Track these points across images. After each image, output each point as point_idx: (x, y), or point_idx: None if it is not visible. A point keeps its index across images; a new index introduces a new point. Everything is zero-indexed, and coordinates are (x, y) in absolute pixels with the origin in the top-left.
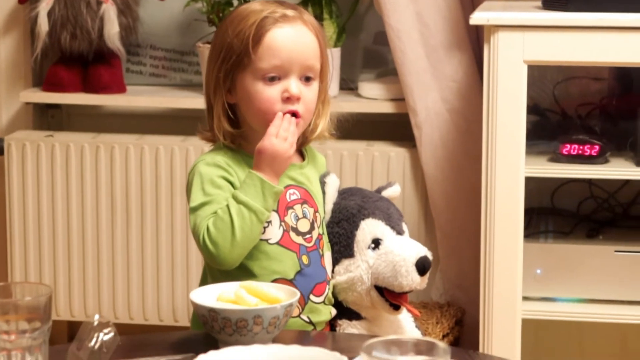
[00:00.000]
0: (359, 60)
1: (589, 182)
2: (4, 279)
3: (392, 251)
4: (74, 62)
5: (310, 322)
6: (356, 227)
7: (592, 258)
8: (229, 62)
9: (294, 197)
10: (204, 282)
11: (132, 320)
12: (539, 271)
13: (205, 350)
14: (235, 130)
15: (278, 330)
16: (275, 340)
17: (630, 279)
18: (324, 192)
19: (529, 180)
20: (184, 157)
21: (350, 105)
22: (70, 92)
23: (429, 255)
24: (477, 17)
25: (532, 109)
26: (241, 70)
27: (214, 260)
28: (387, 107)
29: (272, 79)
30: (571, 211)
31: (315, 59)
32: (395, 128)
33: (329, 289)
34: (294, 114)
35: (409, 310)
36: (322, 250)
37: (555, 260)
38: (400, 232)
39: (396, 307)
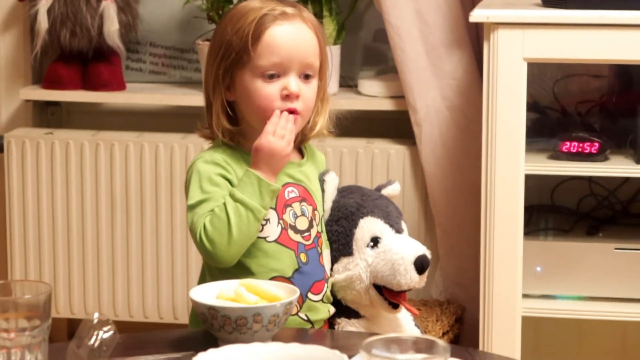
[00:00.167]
0: (358, 58)
1: (589, 179)
2: (3, 276)
3: (391, 249)
4: (73, 59)
5: (308, 320)
6: (355, 225)
7: (592, 255)
8: (228, 60)
9: (292, 195)
10: (202, 279)
11: (132, 317)
12: (538, 269)
13: (205, 348)
14: (234, 128)
15: (278, 328)
16: (274, 338)
17: (630, 277)
18: (323, 190)
19: (528, 178)
20: (183, 154)
21: (350, 102)
22: (69, 90)
23: (428, 253)
24: (477, 15)
25: (532, 106)
26: (240, 67)
27: (210, 258)
28: (386, 105)
29: (271, 77)
30: (571, 209)
31: (315, 56)
32: (395, 126)
33: (327, 287)
34: (292, 112)
35: (407, 309)
36: (321, 249)
37: (555, 258)
38: (399, 231)
39: (395, 306)
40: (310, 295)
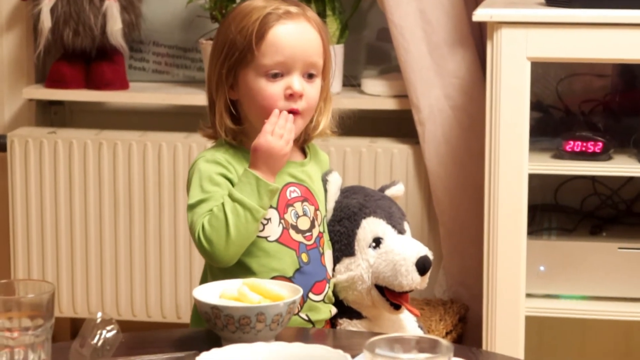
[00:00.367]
0: (362, 57)
1: (593, 179)
2: (6, 276)
3: (393, 250)
4: (76, 58)
5: (309, 321)
6: (357, 225)
7: (596, 255)
8: (232, 59)
9: (294, 195)
10: (204, 279)
11: (135, 317)
12: (542, 268)
13: (208, 348)
14: (237, 127)
15: (281, 328)
16: (277, 338)
17: (633, 276)
18: (326, 190)
19: (532, 177)
20: (186, 153)
21: (353, 102)
22: (73, 89)
23: (430, 254)
24: (480, 14)
25: (536, 105)
26: (244, 66)
27: (209, 257)
28: (390, 104)
29: (274, 76)
30: (574, 208)
31: (318, 55)
32: (398, 125)
33: (329, 287)
34: (295, 112)
35: (409, 310)
36: (323, 249)
37: (558, 257)
38: (401, 231)
39: (397, 307)
40: (311, 295)
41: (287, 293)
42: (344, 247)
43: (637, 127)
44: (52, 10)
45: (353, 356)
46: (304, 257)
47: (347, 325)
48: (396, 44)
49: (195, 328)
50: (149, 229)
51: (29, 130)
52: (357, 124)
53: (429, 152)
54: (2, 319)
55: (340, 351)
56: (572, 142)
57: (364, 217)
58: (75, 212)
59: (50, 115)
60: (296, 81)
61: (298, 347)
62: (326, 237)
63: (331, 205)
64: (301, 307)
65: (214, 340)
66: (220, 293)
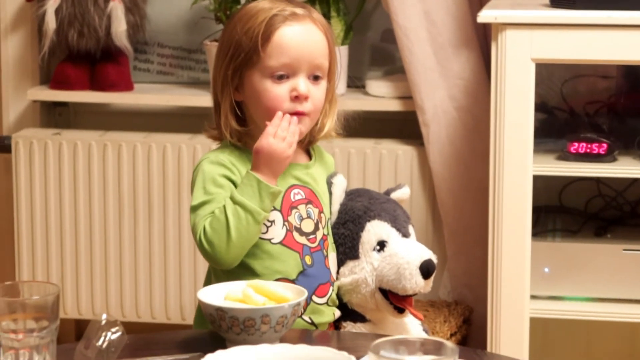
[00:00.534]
0: (366, 58)
1: (597, 180)
2: (11, 277)
3: (397, 254)
4: (81, 60)
5: (313, 323)
6: (362, 228)
7: (600, 256)
8: (238, 60)
9: (298, 197)
10: (208, 281)
11: (140, 318)
12: (546, 270)
13: (212, 350)
14: (242, 129)
15: (286, 330)
16: (281, 340)
17: (638, 278)
18: (330, 193)
19: (536, 179)
20: (191, 155)
21: (358, 103)
22: (77, 90)
23: (434, 258)
24: (485, 15)
25: (540, 107)
26: (249, 67)
27: (210, 260)
28: (394, 105)
29: (280, 77)
30: (579, 209)
31: (324, 57)
32: (402, 126)
33: (332, 290)
34: (300, 114)
35: (412, 314)
36: (327, 251)
37: (563, 259)
38: (406, 235)
39: (400, 310)
40: (314, 298)
41: (291, 295)
42: (348, 250)
43: None
44: (57, 11)
45: (357, 358)
46: (308, 259)
47: (351, 328)
48: (400, 45)
49: (200, 329)
50: (154, 230)
51: (33, 132)
52: (361, 126)
53: (433, 153)
54: (7, 321)
55: (345, 353)
56: (576, 144)
57: (369, 220)
58: (80, 214)
59: (55, 116)
60: (302, 83)
61: (303, 349)
62: (330, 239)
63: (336, 207)
64: (304, 310)
65: (219, 342)
66: (224, 295)
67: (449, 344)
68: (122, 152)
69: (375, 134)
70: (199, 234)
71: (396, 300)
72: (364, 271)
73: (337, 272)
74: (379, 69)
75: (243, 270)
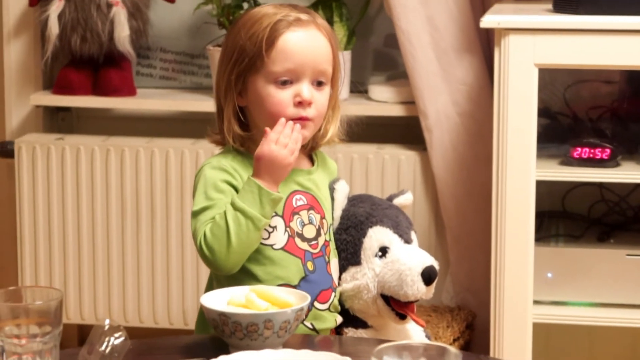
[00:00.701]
0: (369, 63)
1: (600, 185)
2: (14, 282)
3: (399, 260)
4: (84, 65)
5: (314, 329)
6: (364, 234)
7: (603, 262)
8: (241, 65)
9: (300, 203)
10: (209, 286)
11: (142, 323)
12: (549, 275)
13: (215, 355)
14: (245, 134)
15: (289, 335)
16: (284, 345)
17: None
18: (333, 199)
19: (539, 184)
20: (194, 160)
21: (361, 108)
22: (80, 95)
23: (436, 264)
24: (488, 21)
25: (543, 112)
26: (253, 73)
27: (210, 265)
28: (397, 110)
29: (284, 83)
30: (582, 215)
31: (328, 63)
32: (405, 131)
33: (334, 296)
34: (302, 119)
35: (414, 320)
36: (329, 257)
37: (566, 264)
38: (408, 241)
39: (402, 317)
40: (316, 304)
41: (294, 300)
42: (350, 255)
43: None
44: (60, 16)
45: None
46: (310, 265)
47: (353, 334)
48: (403, 50)
49: (203, 334)
50: (156, 235)
51: (36, 137)
52: (364, 131)
53: (436, 158)
54: (10, 326)
55: (348, 358)
56: (579, 149)
57: (371, 226)
58: (83, 219)
59: (58, 121)
60: (305, 89)
61: (306, 354)
62: (332, 245)
63: (338, 213)
64: (306, 316)
65: (222, 347)
66: (228, 300)
67: (452, 349)
68: (125, 157)
69: (378, 139)
70: (200, 239)
71: (398, 306)
72: (365, 277)
73: (339, 278)
74: (381, 74)
75: (245, 276)
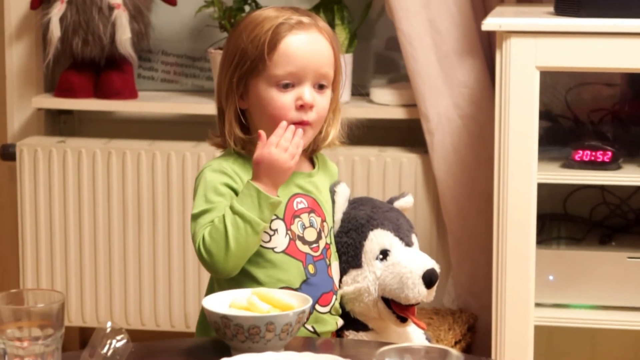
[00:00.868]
0: (370, 66)
1: (602, 188)
2: (15, 284)
3: (400, 263)
4: (85, 67)
5: (315, 332)
6: (364, 237)
7: (605, 264)
8: (243, 68)
9: (301, 206)
10: (210, 289)
11: (144, 326)
12: (551, 277)
13: (217, 357)
14: (246, 136)
15: (290, 337)
16: (286, 348)
17: None
18: (333, 201)
19: (541, 187)
20: (195, 162)
21: (362, 111)
22: (82, 98)
23: (437, 267)
24: (489, 23)
25: (544, 115)
26: (255, 76)
27: (209, 269)
28: (399, 113)
29: (285, 86)
30: (584, 217)
31: (330, 66)
32: (407, 134)
33: (335, 299)
34: (304, 123)
35: (415, 323)
36: (330, 260)
37: (567, 267)
38: (409, 244)
39: (403, 320)
40: (317, 307)
41: (296, 302)
42: (350, 258)
43: None
44: (62, 19)
45: None
46: (311, 268)
47: (353, 337)
48: (405, 53)
49: (205, 337)
50: (158, 238)
51: (38, 140)
52: (365, 134)
53: (437, 161)
54: (12, 329)
55: None
56: (581, 152)
57: (372, 229)
58: (84, 221)
59: (59, 124)
60: (307, 92)
61: (308, 356)
62: (333, 248)
63: (339, 216)
64: (307, 319)
65: (223, 350)
66: (229, 302)
67: (454, 352)
68: (127, 159)
69: (380, 142)
70: (198, 243)
71: (399, 309)
72: (366, 280)
73: (340, 281)
74: (383, 77)
75: (246, 279)
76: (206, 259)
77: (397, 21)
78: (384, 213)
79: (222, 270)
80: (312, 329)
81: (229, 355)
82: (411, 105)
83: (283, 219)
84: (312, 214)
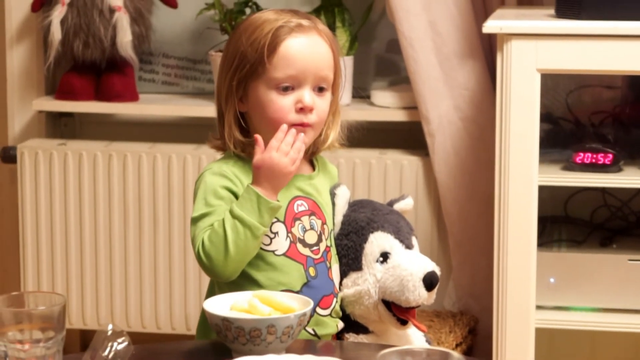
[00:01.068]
0: (371, 69)
1: (603, 190)
2: (16, 287)
3: (400, 265)
4: (86, 70)
5: (316, 335)
6: (365, 240)
7: (606, 267)
8: (243, 71)
9: (301, 209)
10: (211, 291)
11: (145, 328)
12: (552, 280)
13: None
14: (246, 139)
15: (291, 340)
16: (287, 350)
17: None
18: (334, 204)
19: (542, 189)
20: (196, 165)
21: (363, 113)
22: (82, 101)
23: (437, 270)
24: (490, 26)
25: (545, 117)
26: (255, 78)
27: (209, 272)
28: (399, 116)
29: (285, 89)
30: (584, 220)
31: (329, 69)
32: (408, 136)
33: (336, 301)
34: (304, 125)
35: (416, 326)
36: (330, 263)
37: (568, 269)
38: (409, 246)
39: (403, 322)
40: (318, 309)
41: (297, 305)
42: (351, 261)
43: None
44: (62, 22)
45: None
46: (312, 271)
47: (354, 339)
48: (406, 55)
49: (206, 340)
50: (159, 240)
51: (38, 142)
52: (366, 136)
53: (438, 163)
54: (14, 331)
55: None
56: (582, 154)
57: (372, 232)
58: (85, 224)
59: (60, 126)
60: (307, 95)
61: (309, 359)
62: (333, 251)
63: (339, 218)
64: (308, 322)
65: (224, 352)
66: (230, 305)
67: (456, 354)
68: (128, 162)
69: (381, 144)
70: (198, 247)
71: (399, 312)
72: (367, 283)
73: (340, 284)
74: (384, 80)
75: (247, 282)
76: (205, 263)
77: (397, 23)
78: (384, 215)
79: (221, 274)
80: (312, 332)
81: (230, 357)
82: (412, 107)
83: (284, 222)
84: (313, 217)
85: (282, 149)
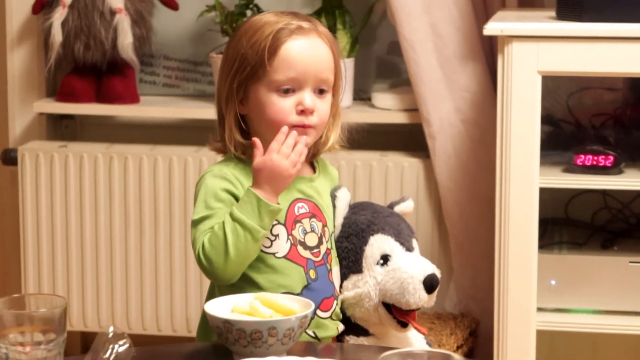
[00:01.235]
0: (372, 71)
1: (604, 192)
2: (17, 289)
3: (400, 268)
4: (87, 72)
5: (316, 337)
6: (365, 242)
7: (607, 269)
8: (243, 73)
9: (302, 211)
10: (211, 293)
11: (146, 330)
12: (553, 282)
13: None
14: (247, 142)
15: (293, 342)
16: (288, 352)
17: None
18: (334, 206)
19: (543, 191)
20: (197, 167)
21: (364, 115)
22: (83, 103)
23: (438, 273)
24: (491, 28)
25: (546, 119)
26: (255, 81)
27: (209, 275)
28: (400, 118)
29: (286, 91)
30: (585, 222)
31: (330, 71)
32: (408, 138)
33: (336, 304)
34: (304, 127)
35: (416, 329)
36: (330, 265)
37: (569, 271)
38: (409, 249)
39: (404, 325)
40: (318, 312)
41: (298, 307)
42: (351, 263)
43: None
44: (63, 24)
45: None
46: (312, 273)
47: (354, 342)
48: (407, 57)
49: (207, 342)
50: (160, 242)
51: (39, 144)
52: (367, 138)
53: (439, 165)
54: (15, 334)
55: None
56: (583, 156)
57: (372, 234)
58: (86, 226)
59: (61, 129)
60: (307, 97)
61: None
62: (334, 253)
63: (339, 221)
64: (309, 324)
65: (225, 354)
66: (232, 307)
67: (456, 356)
68: (128, 164)
69: (381, 146)
70: (198, 249)
71: (399, 314)
72: (367, 285)
73: (341, 286)
74: (385, 82)
75: (247, 284)
76: (205, 266)
77: (398, 25)
78: (384, 218)
79: (221, 277)
80: (313, 334)
81: None
82: (413, 109)
83: (284, 224)
84: (313, 219)
85: (282, 152)
